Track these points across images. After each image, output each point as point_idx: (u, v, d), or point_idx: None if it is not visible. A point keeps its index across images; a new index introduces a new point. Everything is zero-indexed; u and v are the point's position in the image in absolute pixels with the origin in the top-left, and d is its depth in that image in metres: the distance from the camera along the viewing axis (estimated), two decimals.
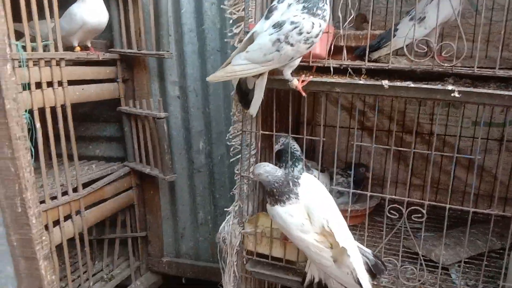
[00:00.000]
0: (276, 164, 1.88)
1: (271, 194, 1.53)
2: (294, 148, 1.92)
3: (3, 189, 1.54)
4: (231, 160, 1.81)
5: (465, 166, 2.36)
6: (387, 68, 1.44)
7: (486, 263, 1.56)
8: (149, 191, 3.14)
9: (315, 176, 1.92)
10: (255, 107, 1.56)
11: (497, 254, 1.86)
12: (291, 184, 1.51)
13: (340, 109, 1.65)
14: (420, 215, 1.48)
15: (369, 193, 1.57)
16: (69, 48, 2.49)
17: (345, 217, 1.66)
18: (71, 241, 2.59)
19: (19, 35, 2.20)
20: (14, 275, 1.42)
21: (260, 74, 1.49)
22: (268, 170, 1.52)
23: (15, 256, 1.56)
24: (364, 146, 2.52)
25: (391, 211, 1.49)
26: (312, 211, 1.48)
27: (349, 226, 1.65)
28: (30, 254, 1.61)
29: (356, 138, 1.89)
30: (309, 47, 1.42)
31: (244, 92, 1.61)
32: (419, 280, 1.57)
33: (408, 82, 1.37)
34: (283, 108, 1.99)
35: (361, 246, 1.53)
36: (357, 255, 1.43)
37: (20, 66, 2.05)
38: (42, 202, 2.28)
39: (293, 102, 1.60)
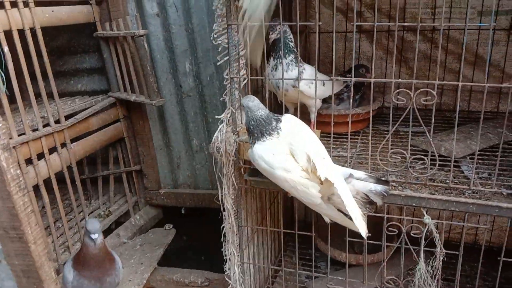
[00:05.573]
0: (269, 55, 1.75)
1: (249, 132, 1.43)
2: (289, 38, 1.75)
3: None
4: (219, 63, 1.63)
5: (471, 62, 2.21)
6: None
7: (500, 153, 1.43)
8: (138, 122, 2.99)
9: (307, 70, 1.81)
10: None
11: (510, 146, 1.77)
12: (273, 122, 1.41)
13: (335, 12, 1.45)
14: (429, 97, 1.34)
15: (372, 80, 1.42)
16: None
17: (347, 122, 1.58)
18: (63, 184, 2.47)
19: None
20: None
21: None
22: (250, 106, 1.42)
23: None
24: (363, 50, 2.36)
25: (399, 97, 1.35)
26: (295, 147, 1.36)
27: (351, 132, 1.56)
28: None
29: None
30: None
31: None
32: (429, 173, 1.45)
33: None
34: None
35: (357, 172, 1.41)
36: (345, 187, 1.32)
37: None
38: (22, 134, 2.14)
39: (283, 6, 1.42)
